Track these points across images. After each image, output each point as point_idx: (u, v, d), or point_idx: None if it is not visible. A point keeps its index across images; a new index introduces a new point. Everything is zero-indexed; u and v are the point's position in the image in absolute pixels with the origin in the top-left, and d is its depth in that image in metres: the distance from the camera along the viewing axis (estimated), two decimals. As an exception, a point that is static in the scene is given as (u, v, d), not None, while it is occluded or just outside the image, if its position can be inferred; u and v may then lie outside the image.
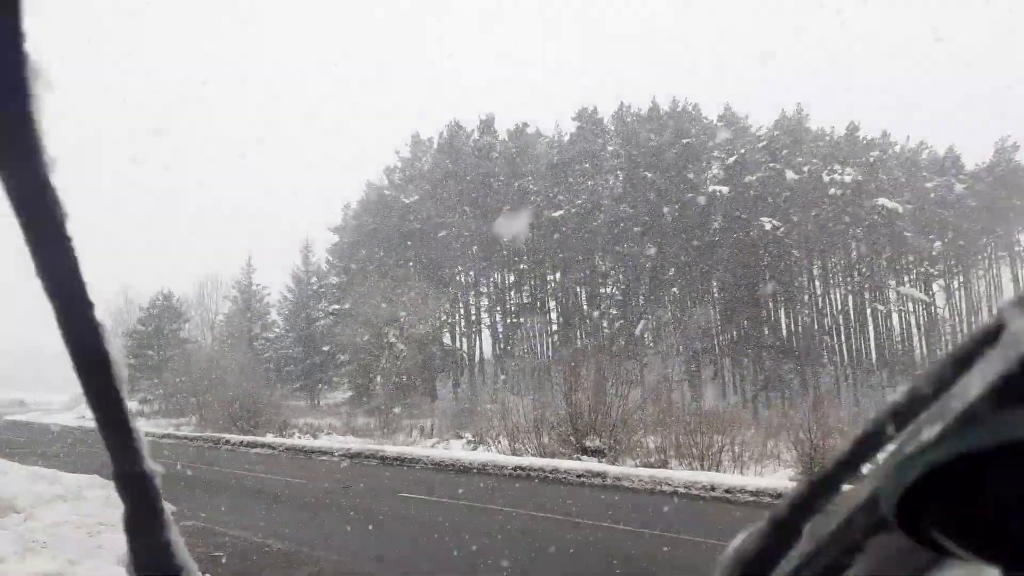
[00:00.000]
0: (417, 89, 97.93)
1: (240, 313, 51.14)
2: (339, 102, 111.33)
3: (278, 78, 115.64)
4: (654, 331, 43.35)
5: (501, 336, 47.32)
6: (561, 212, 43.64)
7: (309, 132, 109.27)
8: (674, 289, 41.91)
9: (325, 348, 47.48)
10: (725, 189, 40.92)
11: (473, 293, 48.64)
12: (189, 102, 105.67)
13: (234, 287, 52.29)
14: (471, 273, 48.48)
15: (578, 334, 45.41)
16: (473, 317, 48.28)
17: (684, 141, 43.27)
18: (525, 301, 48.05)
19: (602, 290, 45.70)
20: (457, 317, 48.77)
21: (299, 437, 22.56)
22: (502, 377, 44.82)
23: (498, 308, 48.22)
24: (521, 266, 47.18)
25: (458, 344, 48.46)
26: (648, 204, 42.50)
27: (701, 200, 41.45)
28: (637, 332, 42.07)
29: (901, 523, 0.34)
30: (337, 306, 48.80)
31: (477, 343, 48.27)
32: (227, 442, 21.13)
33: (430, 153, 51.41)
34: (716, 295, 42.80)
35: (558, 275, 46.78)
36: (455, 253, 46.02)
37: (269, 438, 21.62)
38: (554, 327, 46.95)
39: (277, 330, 52.58)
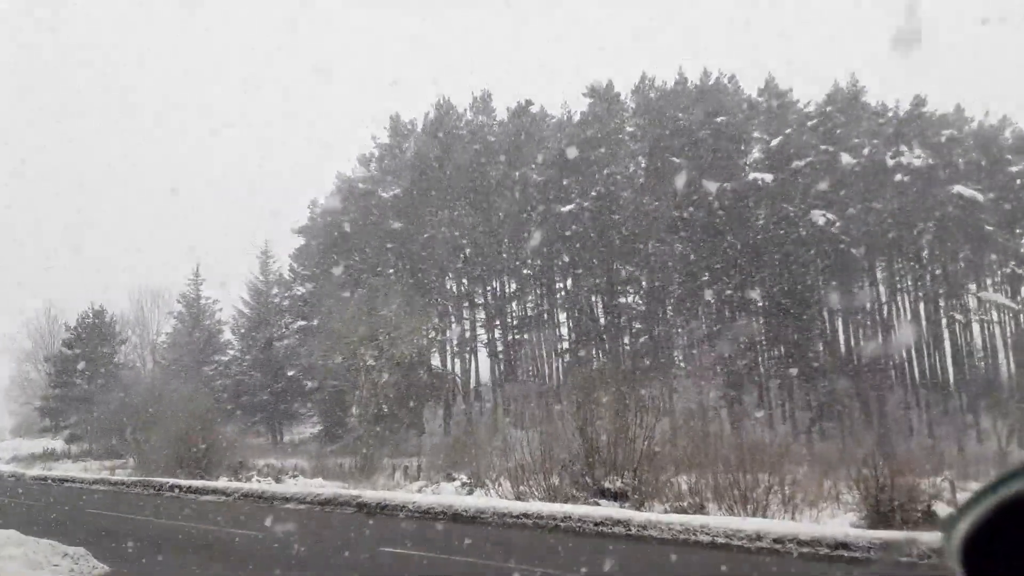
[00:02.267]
0: (399, 62, 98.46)
1: (187, 332, 51.35)
2: (305, 81, 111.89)
3: (230, 46, 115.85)
4: (685, 348, 43.38)
5: (501, 356, 47.45)
6: (572, 206, 43.79)
7: (269, 116, 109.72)
8: (708, 297, 41.93)
9: (289, 373, 47.72)
10: (768, 177, 41.03)
11: (467, 305, 48.84)
12: (119, 78, 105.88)
13: (179, 301, 52.68)
14: (464, 281, 48.68)
15: (594, 353, 45.44)
16: (467, 334, 48.38)
17: (718, 120, 43.42)
18: (529, 314, 48.19)
19: (622, 299, 45.78)
20: (448, 334, 48.87)
21: (259, 481, 22.50)
22: (502, 406, 44.84)
23: (497, 323, 48.35)
24: (525, 272, 47.32)
25: (449, 367, 48.60)
26: (676, 196, 42.55)
27: (740, 190, 41.55)
28: (664, 348, 42.04)
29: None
30: (303, 322, 49.09)
31: (472, 365, 48.47)
32: (172, 488, 21.08)
33: (413, 138, 51.61)
34: (760, 304, 42.79)
35: (568, 282, 47.01)
36: (445, 257, 46.26)
37: (222, 483, 21.56)
38: (565, 344, 47.10)
39: (231, 352, 52.74)
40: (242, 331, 52.14)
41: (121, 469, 30.21)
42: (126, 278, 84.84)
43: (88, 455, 40.70)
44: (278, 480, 23.27)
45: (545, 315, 47.54)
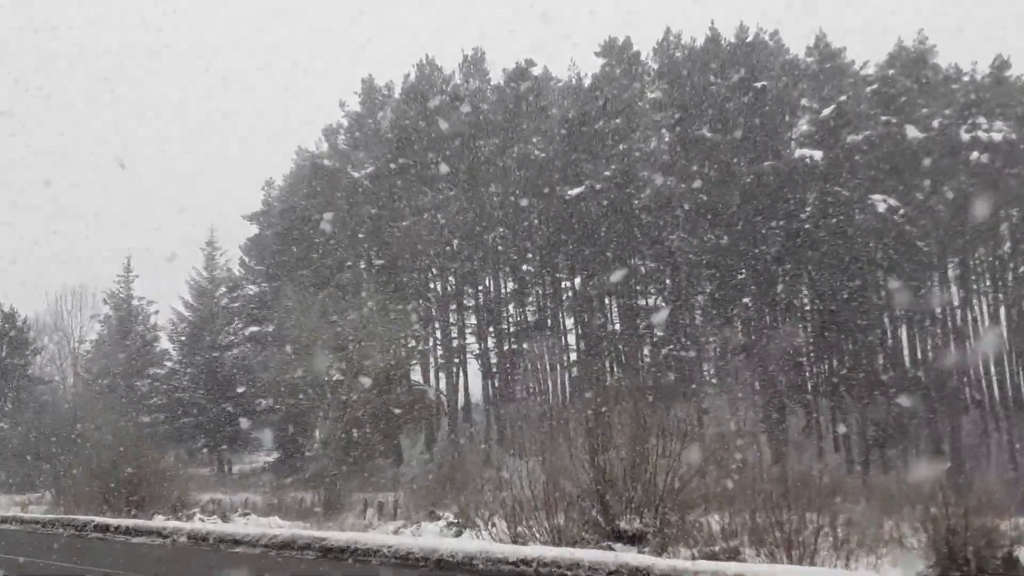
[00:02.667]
0: (373, 16, 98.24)
1: (115, 340, 51.42)
2: (262, 42, 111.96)
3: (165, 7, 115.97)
4: (717, 361, 43.45)
5: (495, 370, 47.60)
6: (581, 188, 43.88)
7: (216, 86, 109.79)
8: (746, 299, 41.99)
9: (239, 390, 47.89)
10: (818, 154, 41.04)
11: (455, 307, 49.04)
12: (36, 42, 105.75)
13: (106, 302, 52.71)
14: (451, 279, 48.82)
15: (607, 365, 45.65)
16: (455, 342, 48.54)
17: (758, 85, 43.45)
18: (530, 319, 48.33)
19: (641, 301, 45.86)
20: (432, 342, 49.08)
21: (202, 519, 22.50)
22: (496, 429, 44.92)
23: (491, 329, 48.54)
24: (524, 268, 47.43)
25: (433, 382, 48.81)
26: (707, 176, 42.61)
27: (784, 170, 41.58)
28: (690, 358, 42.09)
29: None
30: (256, 328, 49.29)
31: (460, 380, 48.58)
32: (97, 528, 21.04)
33: (390, 105, 51.68)
34: (807, 308, 42.82)
35: (576, 281, 47.13)
36: (428, 249, 46.37)
37: (159, 522, 21.53)
38: (572, 355, 47.30)
39: (169, 364, 52.86)
40: (182, 339, 52.25)
41: (36, 505, 30.17)
42: (43, 275, 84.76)
43: (-3, 488, 40.76)
44: (225, 519, 23.25)
45: (548, 320, 47.70)
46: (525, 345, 47.15)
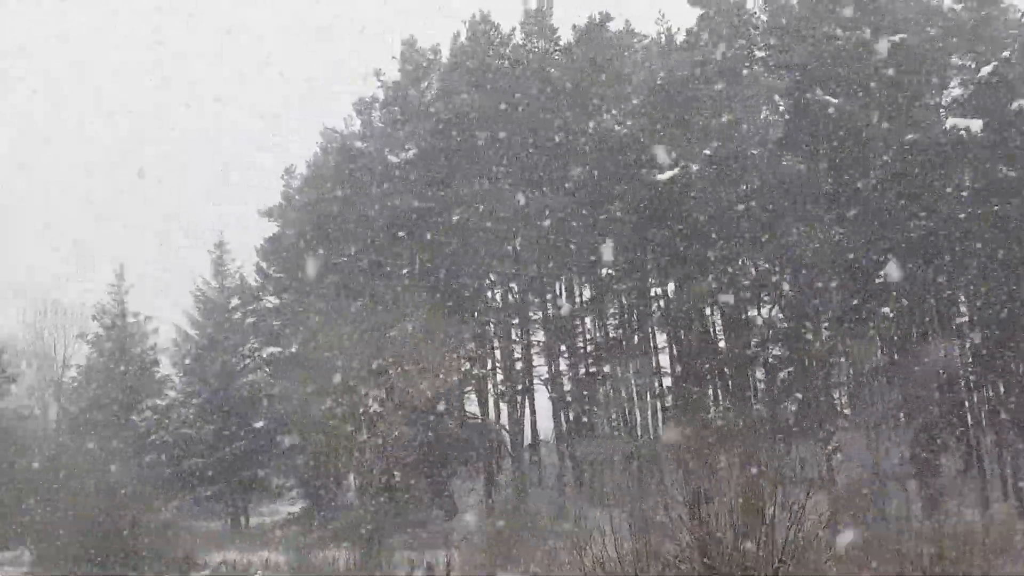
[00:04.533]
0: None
1: (107, 365, 52.13)
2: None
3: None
4: (851, 387, 42.73)
5: (569, 398, 47.39)
6: (675, 171, 43.51)
7: (230, 53, 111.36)
8: (885, 309, 41.33)
9: (257, 425, 48.48)
10: (975, 125, 40.19)
11: (518, 322, 49.00)
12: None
13: (95, 319, 53.39)
14: (513, 286, 48.84)
15: (710, 393, 45.26)
16: (518, 365, 48.47)
17: (896, 39, 42.71)
18: (611, 334, 47.93)
19: (752, 312, 45.48)
20: (491, 364, 49.16)
21: (213, 584, 22.81)
22: (572, 472, 44.78)
23: (563, 348, 48.32)
24: (603, 272, 47.25)
25: (493, 415, 48.92)
26: (832, 154, 41.99)
27: (931, 145, 40.82)
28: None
29: None
30: (275, 349, 49.87)
31: (526, 412, 48.37)
32: (85, 594, 21.39)
33: (436, 73, 51.88)
34: (965, 319, 41.95)
35: (670, 287, 46.89)
36: (484, 250, 46.39)
37: (160, 587, 21.87)
38: (665, 380, 46.98)
39: (172, 393, 53.53)
40: (187, 362, 52.87)
41: (11, 566, 30.75)
42: (18, 287, 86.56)
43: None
44: (241, 583, 23.53)
45: (635, 336, 47.46)
46: (606, 368, 47.00)
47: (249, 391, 50.15)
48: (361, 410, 34.79)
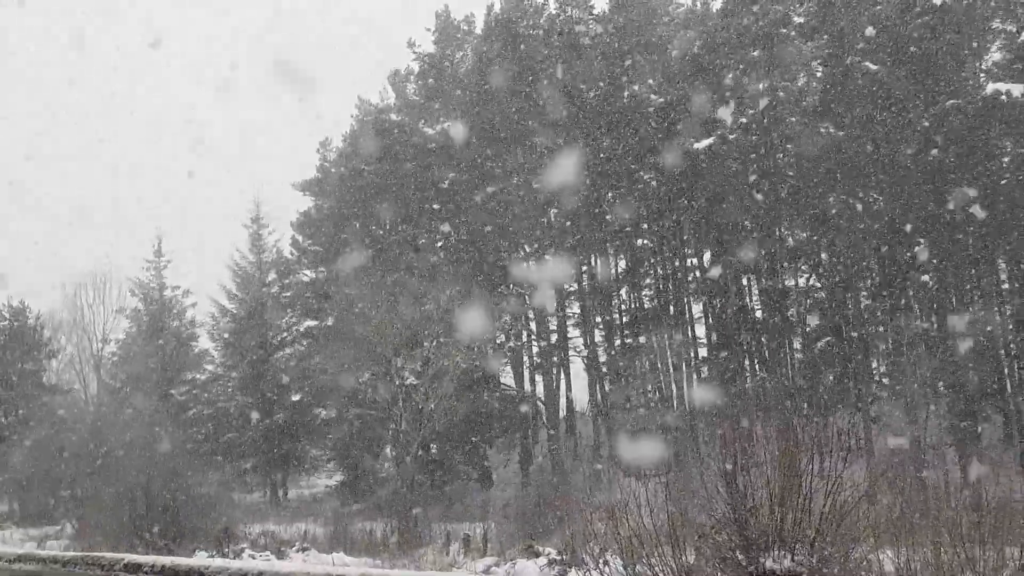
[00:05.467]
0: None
1: (145, 340, 52.65)
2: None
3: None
4: (889, 355, 42.44)
5: (604, 370, 47.60)
6: (710, 141, 43.41)
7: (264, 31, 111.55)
8: (925, 277, 40.91)
9: (295, 398, 48.88)
10: (1016, 89, 39.63)
11: (552, 292, 48.92)
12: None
13: (133, 293, 53.89)
14: (547, 257, 48.56)
15: (746, 363, 45.23)
16: (553, 337, 48.66)
17: (937, 2, 42.06)
18: (647, 305, 48.07)
19: (789, 282, 45.26)
20: (526, 337, 49.27)
21: (252, 556, 23.00)
22: (608, 444, 45.02)
23: (598, 320, 48.55)
24: (640, 242, 47.30)
25: (528, 387, 49.09)
26: (872, 121, 41.56)
27: (972, 111, 40.25)
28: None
29: None
30: (312, 323, 50.33)
31: (562, 384, 48.75)
32: (128, 567, 21.58)
33: (470, 44, 51.92)
34: (1005, 287, 41.72)
35: (706, 256, 46.80)
36: (518, 222, 46.56)
37: (200, 559, 22.07)
38: (701, 351, 47.07)
39: (210, 368, 54.07)
40: (225, 336, 53.27)
41: (55, 539, 31.12)
42: (59, 260, 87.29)
43: (7, 519, 42.17)
44: (280, 555, 23.71)
45: (670, 307, 47.29)
46: (641, 339, 46.94)
47: (286, 365, 50.45)
48: (397, 382, 34.56)
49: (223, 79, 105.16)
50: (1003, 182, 39.40)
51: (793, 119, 43.91)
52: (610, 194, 47.03)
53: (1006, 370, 41.26)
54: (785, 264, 45.25)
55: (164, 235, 55.59)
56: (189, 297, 55.09)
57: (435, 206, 47.41)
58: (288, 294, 52.58)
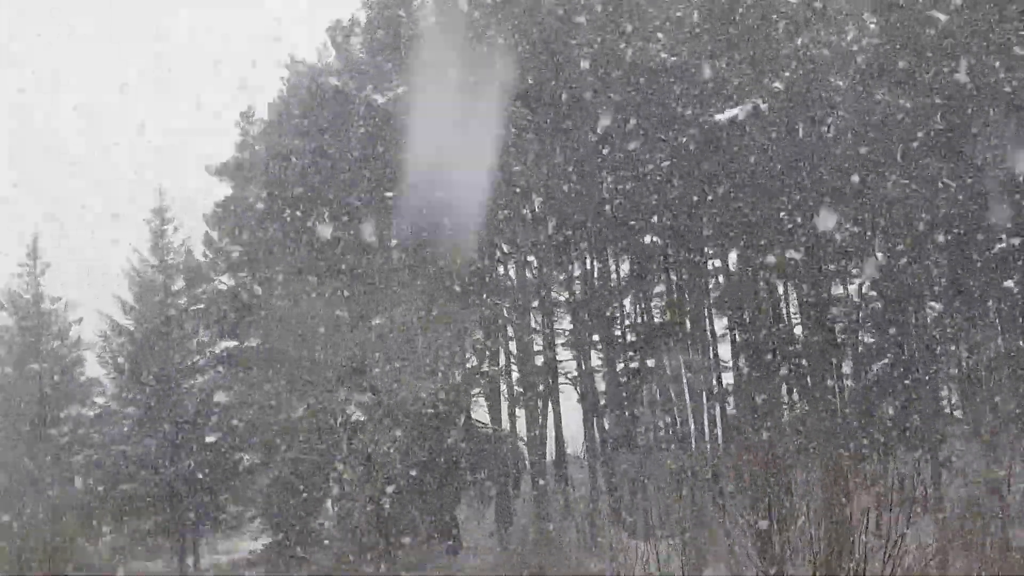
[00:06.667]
0: None
1: (16, 364, 51.89)
2: None
3: None
4: (964, 382, 42.41)
5: (603, 401, 47.37)
6: (735, 111, 43.45)
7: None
8: (1008, 283, 41.01)
9: (209, 439, 48.38)
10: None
11: (537, 304, 48.71)
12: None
13: (2, 307, 52.87)
14: (531, 259, 48.45)
15: (783, 391, 45.45)
16: (539, 359, 48.28)
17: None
18: (657, 319, 48.08)
19: (837, 289, 45.58)
20: (504, 360, 48.99)
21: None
22: (607, 494, 44.78)
23: (595, 338, 48.13)
24: (648, 239, 46.88)
25: (506, 422, 48.71)
26: (938, 85, 41.72)
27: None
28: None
29: None
30: (231, 343, 49.78)
31: (550, 418, 48.03)
32: None
33: (428, -12, 51.46)
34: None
35: (731, 257, 46.84)
36: (494, 214, 46.10)
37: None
38: (726, 377, 47.00)
39: (102, 400, 52.99)
40: (119, 360, 52.26)
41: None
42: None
43: None
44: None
45: (687, 322, 47.31)
46: (649, 361, 46.58)
47: (199, 397, 49.66)
48: (340, 419, 34.77)
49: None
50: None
51: (840, 83, 44.01)
52: (610, 178, 46.91)
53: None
54: (831, 267, 45.42)
55: (41, 233, 54.07)
56: (73, 311, 53.69)
57: (388, 194, 46.80)
58: (200, 307, 51.69)
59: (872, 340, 43.94)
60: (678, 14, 47.50)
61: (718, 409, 46.69)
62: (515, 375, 48.96)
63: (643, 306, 49.14)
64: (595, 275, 49.33)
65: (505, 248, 48.71)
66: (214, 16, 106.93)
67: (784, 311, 47.06)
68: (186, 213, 53.16)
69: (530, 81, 46.62)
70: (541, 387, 48.02)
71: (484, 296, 47.20)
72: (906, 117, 42.12)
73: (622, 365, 47.91)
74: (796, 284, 46.30)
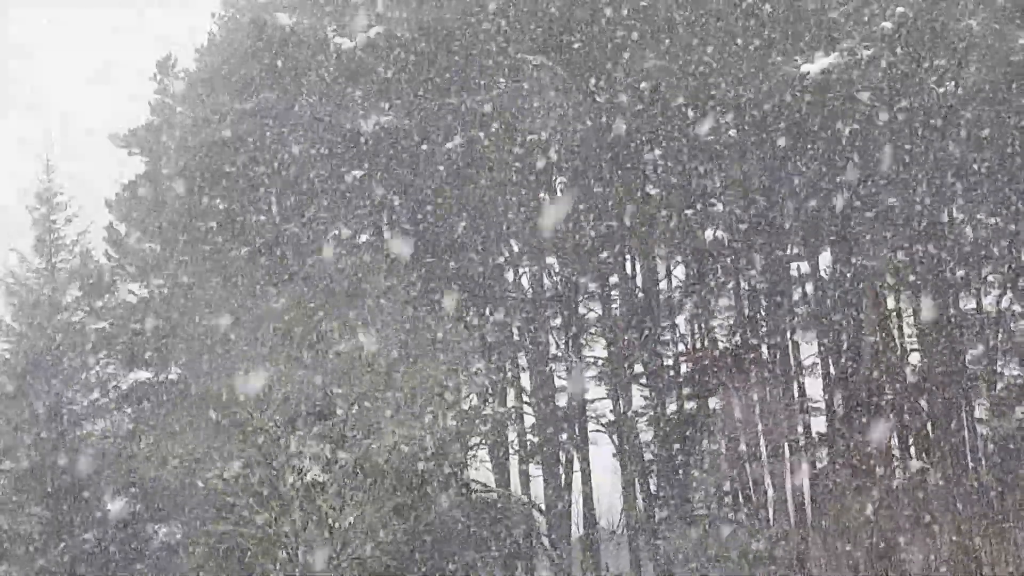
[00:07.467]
0: None
1: None
2: None
3: None
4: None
5: (650, 455, 45.88)
6: (833, 58, 43.18)
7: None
8: None
9: (114, 507, 46.95)
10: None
11: (558, 321, 48.08)
12: None
13: None
14: (550, 261, 47.07)
15: (894, 443, 42.18)
16: (562, 399, 46.50)
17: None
18: (721, 343, 47.51)
19: (967, 303, 45.09)
20: (514, 398, 48.11)
21: None
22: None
23: (638, 369, 46.63)
24: (710, 233, 46.51)
25: (517, 483, 47.85)
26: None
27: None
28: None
29: None
30: (145, 374, 49.38)
31: (575, 477, 47.27)
32: None
33: None
34: None
35: (824, 258, 45.76)
36: (501, 199, 44.10)
37: None
38: (817, 422, 45.68)
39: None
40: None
41: None
42: None
43: None
44: None
45: (764, 346, 45.80)
46: (713, 403, 44.73)
47: (100, 448, 47.68)
48: (292, 479, 32.50)
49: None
50: None
51: (973, 22, 43.35)
52: (656, 151, 44.57)
53: None
54: (959, 272, 43.94)
55: None
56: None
57: (356, 172, 45.27)
58: (102, 325, 49.61)
59: (1017, 373, 43.04)
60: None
61: (804, 467, 43.92)
62: (529, 419, 47.21)
63: (702, 325, 48.63)
64: (639, 283, 48.04)
65: (514, 245, 46.94)
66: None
67: (895, 332, 44.45)
68: (84, 197, 51.85)
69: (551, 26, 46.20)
70: (564, 436, 47.20)
71: (487, 311, 45.57)
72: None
73: (674, 407, 47.65)
74: (912, 295, 44.41)
